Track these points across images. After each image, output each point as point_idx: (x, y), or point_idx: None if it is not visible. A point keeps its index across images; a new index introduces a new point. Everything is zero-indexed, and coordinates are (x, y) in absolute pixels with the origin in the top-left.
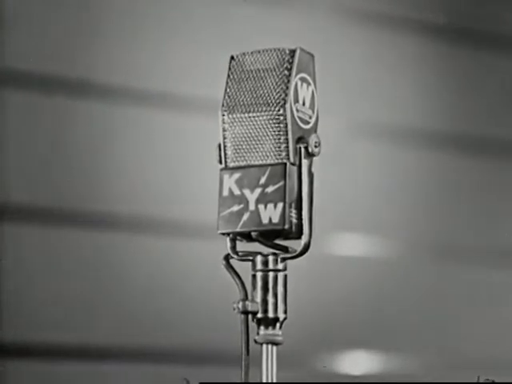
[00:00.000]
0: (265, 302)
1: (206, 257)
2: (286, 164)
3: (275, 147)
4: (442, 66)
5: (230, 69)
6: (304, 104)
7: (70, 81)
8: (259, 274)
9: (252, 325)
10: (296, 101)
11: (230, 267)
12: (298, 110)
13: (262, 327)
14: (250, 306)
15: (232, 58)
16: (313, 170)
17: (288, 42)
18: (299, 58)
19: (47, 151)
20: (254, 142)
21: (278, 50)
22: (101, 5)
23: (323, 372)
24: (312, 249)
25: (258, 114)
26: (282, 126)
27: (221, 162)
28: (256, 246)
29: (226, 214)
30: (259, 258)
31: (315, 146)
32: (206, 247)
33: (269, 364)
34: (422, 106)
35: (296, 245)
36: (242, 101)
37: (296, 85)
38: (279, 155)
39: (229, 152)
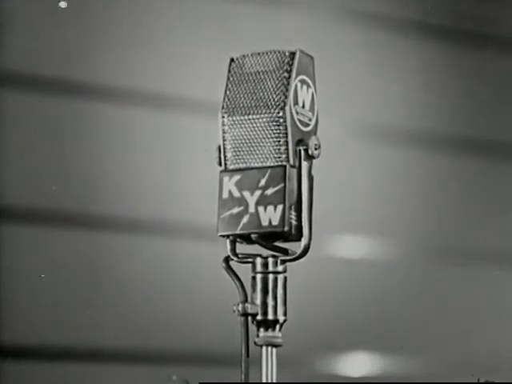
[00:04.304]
0: (264, 304)
1: (205, 259)
2: (285, 166)
3: (275, 149)
4: (444, 67)
5: (229, 71)
6: (304, 106)
7: (69, 82)
8: (259, 276)
9: (252, 327)
10: (296, 103)
11: (229, 269)
12: (297, 113)
13: (261, 329)
14: (249, 308)
15: (232, 60)
16: (312, 172)
17: (289, 43)
18: (299, 60)
19: (46, 152)
20: (253, 145)
21: (278, 52)
22: (100, 6)
23: (323, 373)
24: (312, 251)
25: (258, 116)
26: (281, 128)
27: (220, 164)
28: (256, 248)
29: (225, 216)
30: (259, 260)
31: (315, 149)
32: (205, 249)
33: (268, 366)
34: (422, 108)
35: (296, 247)
36: (242, 103)
37: (296, 87)
38: (279, 157)
39: (228, 154)
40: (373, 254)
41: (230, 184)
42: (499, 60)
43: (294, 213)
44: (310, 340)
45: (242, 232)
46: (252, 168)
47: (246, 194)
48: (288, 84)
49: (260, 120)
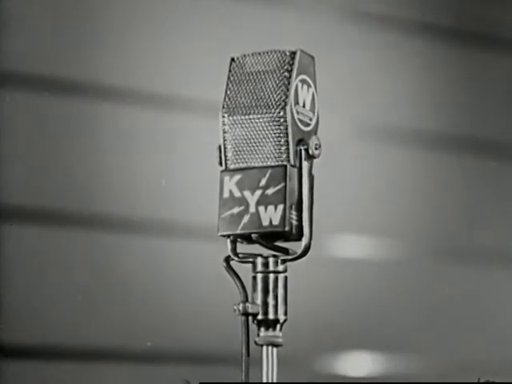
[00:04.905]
0: (265, 303)
1: (206, 259)
2: (286, 166)
3: (275, 149)
4: (445, 67)
5: (230, 70)
6: (304, 106)
7: (68, 82)
8: (260, 276)
9: (252, 326)
10: (296, 103)
11: (230, 269)
12: (298, 112)
13: (262, 329)
14: (250, 308)
15: (232, 59)
16: (315, 172)
17: (290, 43)
18: (300, 59)
19: (45, 152)
20: (254, 144)
21: (279, 51)
22: (100, 6)
23: (323, 373)
24: (312, 251)
25: (259, 115)
26: (282, 128)
27: (221, 164)
28: (256, 248)
29: (226, 216)
30: (260, 260)
31: (315, 148)
32: (206, 249)
33: (269, 365)
34: (424, 108)
35: (296, 247)
36: (243, 103)
37: (296, 87)
38: (279, 157)
39: (229, 154)
40: (374, 254)
41: (230, 184)
42: (505, 60)
43: (294, 212)
44: (311, 340)
45: (242, 232)
46: (253, 168)
47: (247, 193)
48: (289, 84)
49: (261, 120)
